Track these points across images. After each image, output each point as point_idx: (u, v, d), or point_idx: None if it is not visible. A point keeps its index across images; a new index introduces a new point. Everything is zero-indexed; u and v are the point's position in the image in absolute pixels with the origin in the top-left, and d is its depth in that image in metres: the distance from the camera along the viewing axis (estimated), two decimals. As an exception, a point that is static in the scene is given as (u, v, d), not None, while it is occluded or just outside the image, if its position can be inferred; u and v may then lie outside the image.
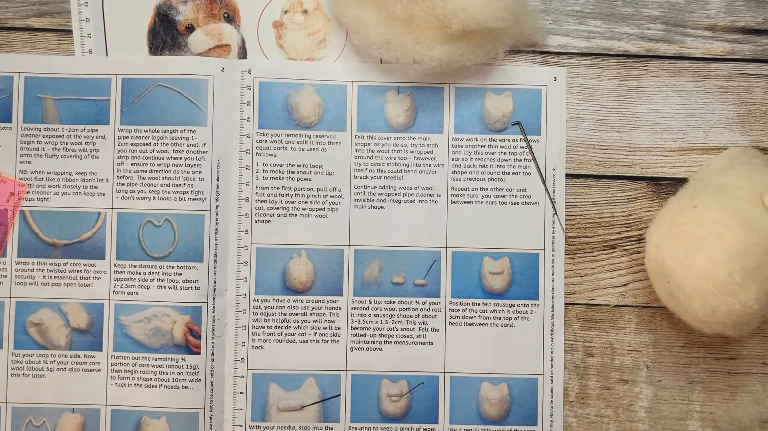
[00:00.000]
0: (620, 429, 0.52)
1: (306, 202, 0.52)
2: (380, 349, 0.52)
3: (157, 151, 0.51)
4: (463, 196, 0.52)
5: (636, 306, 0.52)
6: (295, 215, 0.52)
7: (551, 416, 0.52)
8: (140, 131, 0.52)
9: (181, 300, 0.51)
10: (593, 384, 0.52)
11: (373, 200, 0.52)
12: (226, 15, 0.53)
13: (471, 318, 0.52)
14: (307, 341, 0.52)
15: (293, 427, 0.51)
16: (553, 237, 0.52)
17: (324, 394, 0.51)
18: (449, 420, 0.51)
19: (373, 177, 0.52)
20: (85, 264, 0.51)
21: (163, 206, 0.51)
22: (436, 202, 0.52)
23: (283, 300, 0.52)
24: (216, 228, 0.51)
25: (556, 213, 0.52)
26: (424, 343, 0.52)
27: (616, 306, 0.52)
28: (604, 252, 0.52)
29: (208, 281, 0.51)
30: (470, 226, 0.52)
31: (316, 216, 0.52)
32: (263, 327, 0.52)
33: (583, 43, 0.53)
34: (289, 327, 0.52)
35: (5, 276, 0.51)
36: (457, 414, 0.52)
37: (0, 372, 0.51)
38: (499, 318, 0.52)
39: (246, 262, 0.52)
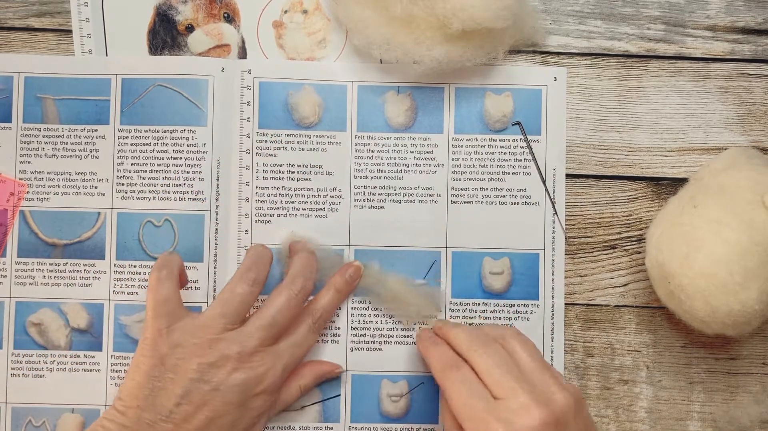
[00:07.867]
0: (620, 429, 0.52)
1: (306, 202, 0.52)
2: (380, 349, 0.52)
3: (157, 151, 0.51)
4: (463, 196, 0.52)
5: (636, 307, 0.52)
6: (295, 215, 0.52)
7: (551, 416, 0.51)
8: (140, 131, 0.52)
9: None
10: (593, 384, 0.52)
11: (373, 200, 0.52)
12: (226, 15, 0.53)
13: (471, 318, 0.52)
14: (307, 341, 0.52)
15: (293, 427, 0.51)
16: (553, 237, 0.52)
17: (324, 394, 0.51)
18: (449, 421, 0.51)
19: (373, 177, 0.52)
20: (85, 265, 0.51)
21: (163, 206, 0.51)
22: (436, 202, 0.52)
23: (283, 301, 0.52)
24: (216, 229, 0.51)
25: (556, 213, 0.52)
26: (424, 343, 0.52)
27: (616, 306, 0.52)
28: (604, 252, 0.52)
29: (208, 281, 0.51)
30: (470, 226, 0.52)
31: (316, 216, 0.52)
32: (263, 327, 0.51)
33: (583, 43, 0.53)
34: (289, 328, 0.52)
35: (5, 276, 0.51)
36: (457, 415, 0.51)
37: (0, 372, 0.51)
38: (499, 318, 0.52)
39: (246, 262, 0.52)
